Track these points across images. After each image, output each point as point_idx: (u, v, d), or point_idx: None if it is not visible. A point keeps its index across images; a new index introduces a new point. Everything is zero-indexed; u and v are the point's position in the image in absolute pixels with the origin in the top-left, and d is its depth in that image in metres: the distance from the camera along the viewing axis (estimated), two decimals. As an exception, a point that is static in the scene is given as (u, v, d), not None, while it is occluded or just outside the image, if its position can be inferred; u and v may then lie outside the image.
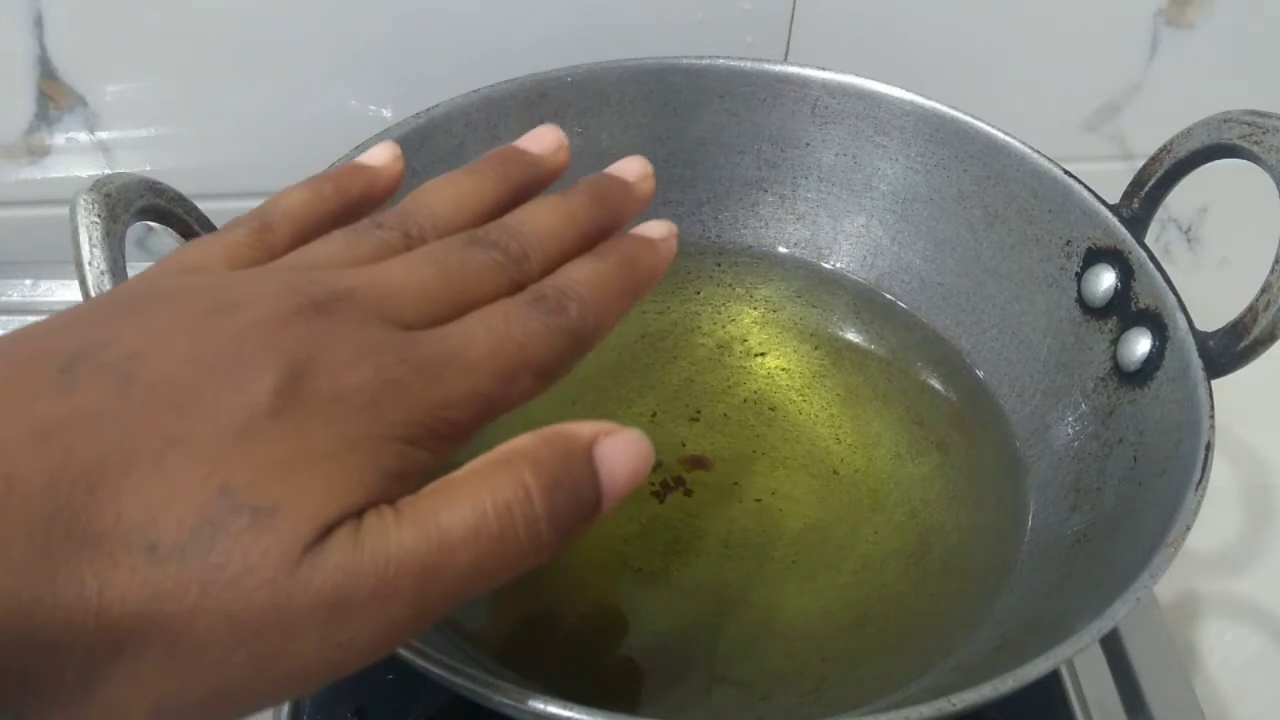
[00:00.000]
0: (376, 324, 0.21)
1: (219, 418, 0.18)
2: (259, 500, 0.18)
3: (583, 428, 0.22)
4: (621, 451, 0.22)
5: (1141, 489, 0.34)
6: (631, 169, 0.28)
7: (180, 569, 0.17)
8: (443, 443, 0.21)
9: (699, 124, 0.44)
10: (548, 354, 0.22)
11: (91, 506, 0.17)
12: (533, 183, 0.27)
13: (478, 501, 0.20)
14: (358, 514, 0.19)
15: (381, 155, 0.27)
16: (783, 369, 0.42)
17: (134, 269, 0.28)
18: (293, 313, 0.20)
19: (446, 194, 0.25)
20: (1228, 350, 0.33)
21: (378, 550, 0.19)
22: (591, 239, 0.26)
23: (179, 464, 0.18)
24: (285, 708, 0.35)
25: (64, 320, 0.20)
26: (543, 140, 0.28)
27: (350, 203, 0.26)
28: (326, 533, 0.18)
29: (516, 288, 0.23)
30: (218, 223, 0.32)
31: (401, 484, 0.20)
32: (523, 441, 0.21)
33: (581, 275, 0.24)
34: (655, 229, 0.27)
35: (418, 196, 0.25)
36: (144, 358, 0.19)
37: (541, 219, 0.25)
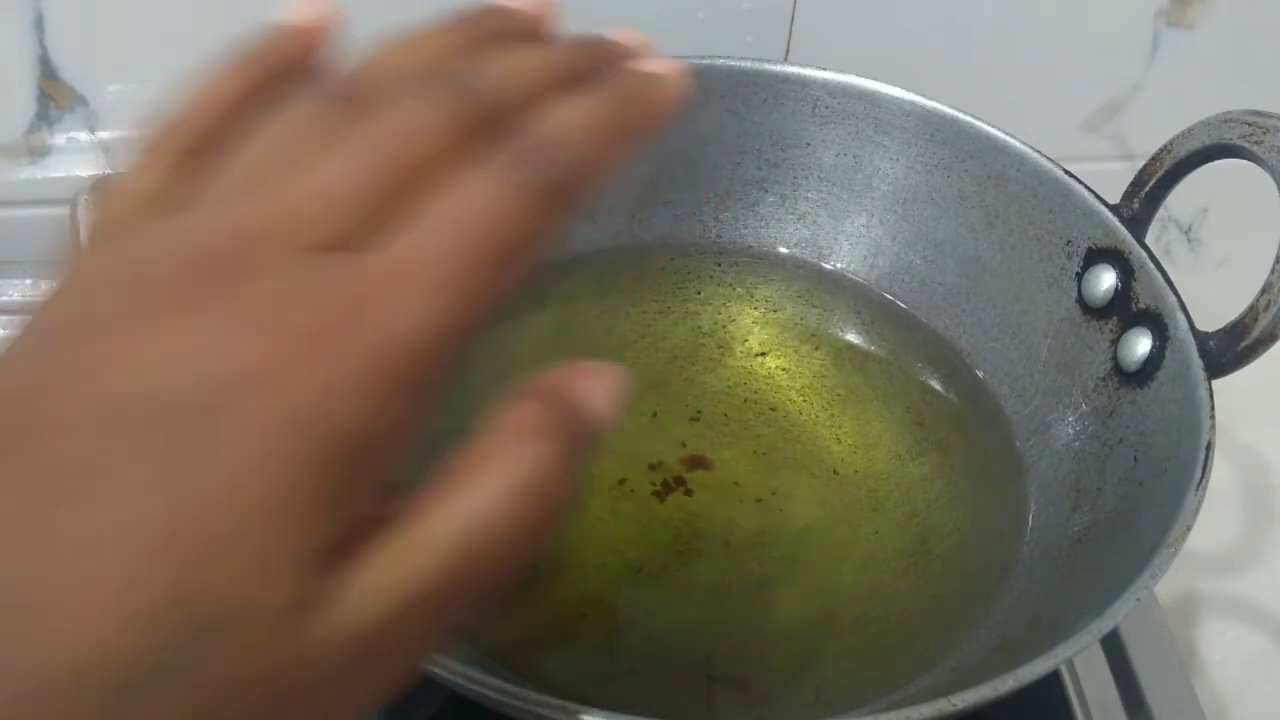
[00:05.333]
0: (292, 275, 0.17)
1: (131, 505, 0.15)
2: (205, 606, 0.15)
3: (563, 378, 0.20)
4: (603, 390, 0.20)
5: (1142, 489, 0.34)
6: (624, 33, 0.23)
7: (154, 698, 0.15)
8: (400, 413, 0.17)
9: (699, 124, 0.44)
10: (522, 227, 0.18)
11: (31, 642, 0.15)
12: (512, 37, 0.22)
13: (491, 497, 0.18)
14: (334, 559, 0.16)
15: (305, 10, 0.22)
16: (783, 369, 0.42)
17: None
18: (187, 320, 0.17)
19: (415, 57, 0.21)
20: (1228, 350, 0.33)
21: (381, 593, 0.17)
22: (572, 83, 0.21)
23: (102, 578, 0.15)
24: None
25: None
26: None
27: (279, 77, 0.21)
28: (301, 603, 0.16)
29: (478, 135, 0.19)
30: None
31: (363, 500, 0.17)
32: (520, 411, 0.19)
33: (564, 115, 0.20)
34: (658, 64, 0.22)
35: (376, 61, 0.21)
36: (43, 433, 0.16)
37: (510, 57, 0.21)
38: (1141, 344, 0.36)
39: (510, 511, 0.18)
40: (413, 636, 0.18)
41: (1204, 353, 0.33)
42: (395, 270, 0.17)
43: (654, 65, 0.22)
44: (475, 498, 0.18)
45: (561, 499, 0.19)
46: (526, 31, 0.22)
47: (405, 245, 0.18)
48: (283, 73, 0.21)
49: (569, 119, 0.20)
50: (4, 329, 0.48)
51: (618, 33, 0.23)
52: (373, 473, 0.17)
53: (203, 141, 0.20)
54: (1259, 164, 0.33)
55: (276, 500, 0.16)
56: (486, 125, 0.19)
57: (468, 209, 0.18)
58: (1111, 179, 0.39)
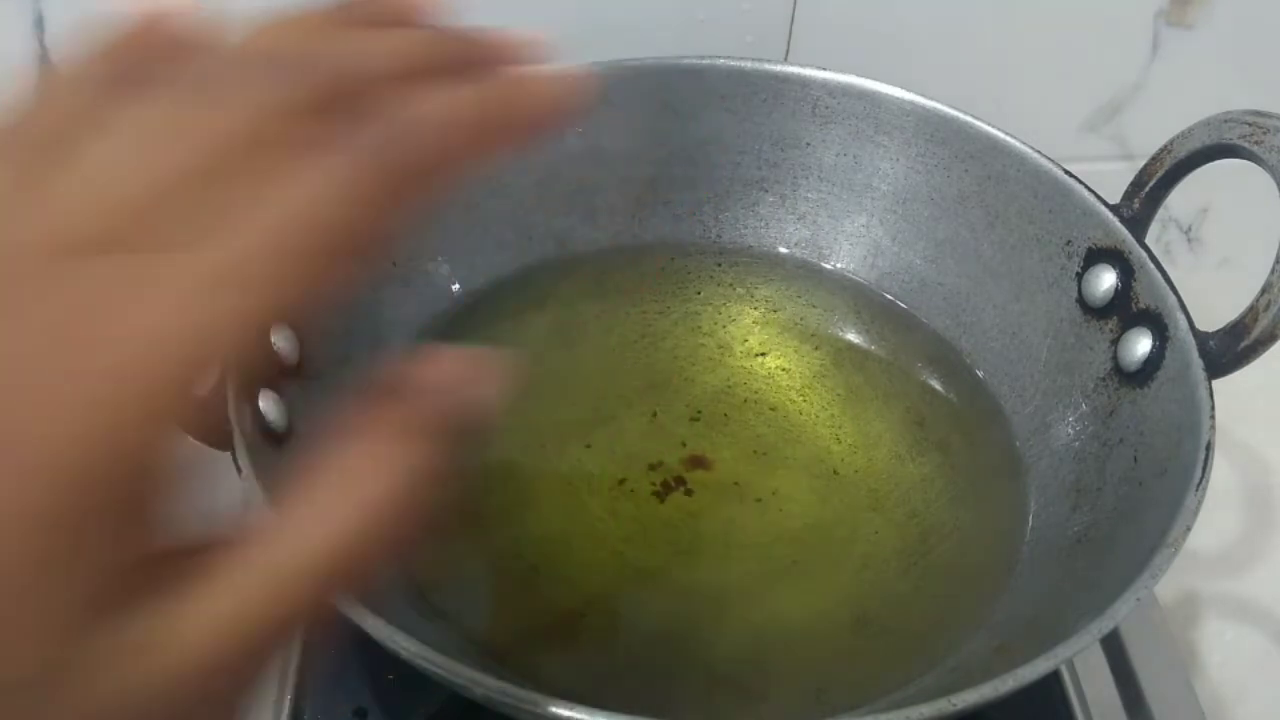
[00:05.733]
0: (47, 286, 0.15)
1: None
2: None
3: (435, 369, 0.18)
4: (477, 377, 0.18)
5: (1142, 489, 0.34)
6: (517, 32, 0.21)
7: None
8: (165, 434, 0.16)
9: (700, 124, 0.44)
10: (358, 215, 0.17)
11: None
12: (385, 24, 0.21)
13: (350, 518, 0.17)
14: (133, 603, 0.15)
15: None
16: (783, 369, 0.42)
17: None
18: None
19: (277, 41, 0.19)
20: (1228, 350, 0.33)
21: (220, 627, 0.15)
22: (438, 75, 0.19)
23: None
24: (286, 707, 0.35)
25: None
26: None
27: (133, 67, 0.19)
28: (76, 664, 0.14)
29: (325, 119, 0.18)
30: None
31: (140, 538, 0.15)
32: (384, 412, 0.18)
33: (421, 103, 0.18)
34: (547, 69, 0.20)
35: (236, 48, 0.19)
36: None
37: (370, 41, 0.19)
38: (1141, 344, 0.36)
39: (374, 526, 0.17)
40: (266, 655, 0.16)
41: (1204, 353, 0.33)
42: (192, 268, 0.15)
43: (541, 70, 0.20)
44: (334, 519, 0.17)
45: (431, 494, 0.17)
46: (400, 20, 0.21)
47: (217, 240, 0.16)
48: (136, 63, 0.19)
49: (426, 108, 0.18)
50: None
51: (510, 31, 0.21)
52: (146, 505, 0.15)
53: (53, 139, 0.18)
54: (1259, 164, 0.33)
55: (4, 566, 0.14)
56: (336, 108, 0.18)
57: (295, 197, 0.16)
58: (1111, 179, 0.39)
